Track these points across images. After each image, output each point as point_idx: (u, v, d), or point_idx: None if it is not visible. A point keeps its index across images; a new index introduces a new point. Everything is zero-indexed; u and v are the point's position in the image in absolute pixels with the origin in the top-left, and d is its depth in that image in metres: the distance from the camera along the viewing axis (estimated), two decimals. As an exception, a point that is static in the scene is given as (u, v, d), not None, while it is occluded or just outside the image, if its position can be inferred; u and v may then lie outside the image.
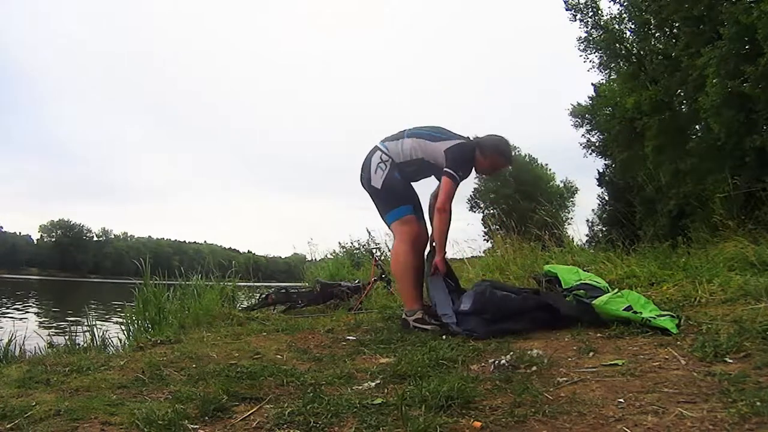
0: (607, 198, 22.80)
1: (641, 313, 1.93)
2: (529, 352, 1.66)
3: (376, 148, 2.75)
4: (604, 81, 19.08)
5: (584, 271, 2.88)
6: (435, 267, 2.60)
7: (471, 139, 2.71)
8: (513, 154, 2.74)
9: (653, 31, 14.62)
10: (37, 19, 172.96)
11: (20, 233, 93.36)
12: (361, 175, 2.77)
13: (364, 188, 2.78)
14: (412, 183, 2.80)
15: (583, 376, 1.43)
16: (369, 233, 7.84)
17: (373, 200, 2.76)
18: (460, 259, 5.43)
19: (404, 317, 2.60)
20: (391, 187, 2.67)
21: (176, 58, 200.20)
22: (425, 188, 2.87)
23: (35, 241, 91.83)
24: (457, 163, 2.61)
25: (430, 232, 2.75)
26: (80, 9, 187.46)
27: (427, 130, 2.75)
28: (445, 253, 2.71)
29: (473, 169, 2.74)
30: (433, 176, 2.82)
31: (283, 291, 4.12)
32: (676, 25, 12.77)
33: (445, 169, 2.60)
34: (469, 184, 36.79)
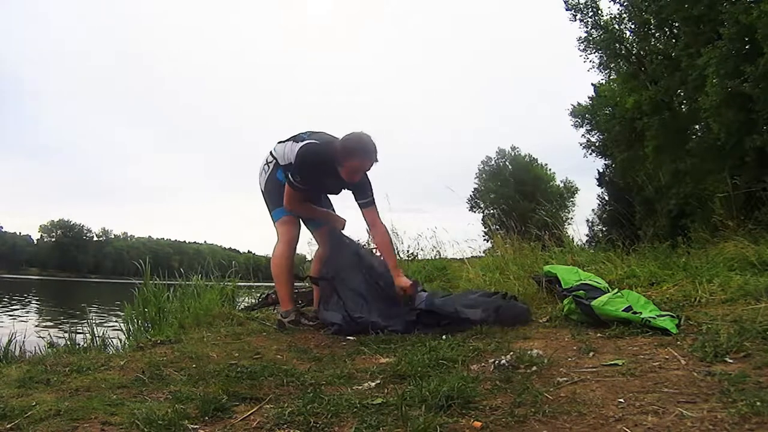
0: (607, 198, 22.84)
1: (641, 313, 1.93)
2: (529, 352, 1.66)
3: (269, 152, 2.78)
4: (604, 81, 19.13)
5: (584, 271, 2.88)
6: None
7: (333, 142, 2.55)
8: (369, 146, 2.48)
9: (653, 31, 14.64)
10: (36, 21, 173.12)
11: (20, 233, 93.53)
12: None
13: None
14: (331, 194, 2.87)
15: (583, 376, 1.43)
16: (369, 233, 7.84)
17: (264, 201, 2.82)
18: (460, 259, 5.43)
19: (280, 318, 2.72)
20: (272, 188, 2.73)
21: (176, 59, 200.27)
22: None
23: (35, 241, 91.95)
24: (294, 167, 2.55)
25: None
26: (79, 11, 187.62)
27: (303, 134, 2.67)
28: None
29: (326, 170, 2.54)
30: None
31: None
32: (676, 25, 12.79)
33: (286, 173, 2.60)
34: (469, 185, 37.02)
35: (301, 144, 2.56)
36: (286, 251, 2.70)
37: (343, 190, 2.74)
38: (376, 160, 2.53)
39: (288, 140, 2.69)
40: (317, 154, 2.53)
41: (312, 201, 2.80)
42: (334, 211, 2.99)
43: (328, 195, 2.95)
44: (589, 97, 21.17)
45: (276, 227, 2.75)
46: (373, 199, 2.67)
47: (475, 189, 37.02)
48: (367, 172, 2.60)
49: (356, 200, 2.67)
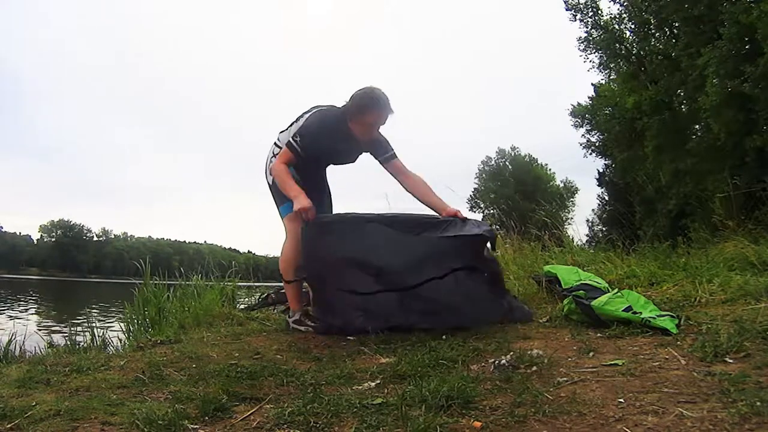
0: (607, 198, 22.85)
1: (641, 313, 1.93)
2: (529, 352, 1.66)
3: (273, 143, 2.65)
4: (604, 81, 19.12)
5: (584, 271, 2.88)
6: (298, 210, 2.31)
7: (338, 106, 2.49)
8: (382, 98, 2.39)
9: (653, 31, 14.63)
10: (36, 21, 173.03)
11: (20, 233, 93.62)
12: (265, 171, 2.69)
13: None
14: (324, 168, 2.69)
15: (583, 376, 1.43)
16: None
17: (272, 195, 2.66)
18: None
19: (287, 318, 2.62)
20: None
21: (176, 59, 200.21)
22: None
23: (35, 241, 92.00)
24: (302, 128, 2.45)
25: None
26: (79, 11, 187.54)
27: (305, 111, 2.60)
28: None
29: (332, 135, 2.46)
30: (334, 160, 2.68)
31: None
32: (676, 25, 12.79)
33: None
34: (469, 185, 37.00)
35: (308, 115, 2.52)
36: (291, 247, 2.54)
37: (359, 155, 2.62)
38: (392, 112, 2.43)
39: (291, 125, 2.61)
40: (326, 118, 2.46)
41: (309, 184, 2.52)
42: (331, 211, 2.80)
43: (345, 164, 2.70)
44: (589, 97, 21.18)
45: (284, 223, 2.58)
46: (395, 153, 2.57)
47: (475, 189, 37.03)
48: (382, 131, 2.51)
49: (377, 157, 2.55)
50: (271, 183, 2.60)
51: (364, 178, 2.85)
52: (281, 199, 2.56)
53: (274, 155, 2.57)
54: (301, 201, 2.32)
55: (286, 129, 2.64)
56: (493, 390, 1.37)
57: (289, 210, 2.49)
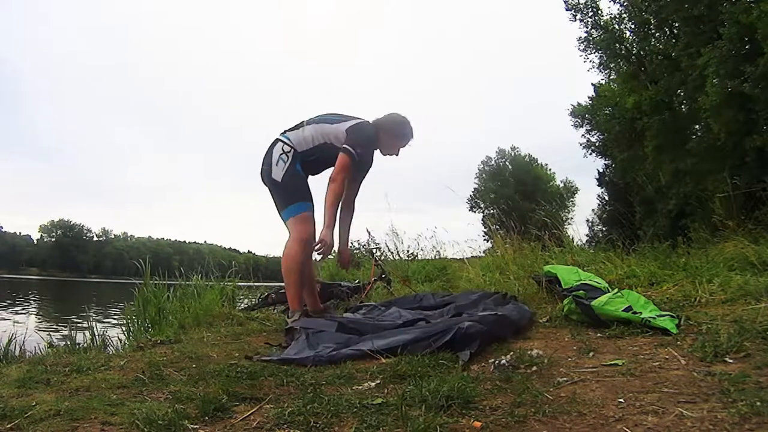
0: (607, 198, 22.84)
1: (641, 313, 1.93)
2: (529, 352, 1.66)
3: (277, 140, 2.66)
4: (604, 81, 19.09)
5: (584, 271, 2.88)
6: (321, 241, 2.42)
7: (370, 121, 2.71)
8: (412, 130, 2.77)
9: (653, 31, 14.61)
10: (36, 21, 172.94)
11: (20, 233, 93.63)
12: (262, 168, 2.67)
13: (264, 182, 2.69)
14: (315, 176, 2.74)
15: (583, 376, 1.43)
16: (369, 233, 7.84)
17: (272, 194, 2.66)
18: (460, 259, 5.43)
19: (286, 318, 2.60)
20: (292, 181, 2.58)
21: (176, 59, 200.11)
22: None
23: (35, 241, 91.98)
24: (356, 140, 2.56)
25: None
26: (79, 11, 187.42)
27: (326, 116, 2.71)
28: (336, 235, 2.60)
29: (376, 150, 2.75)
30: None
31: (283, 291, 4.10)
32: (676, 25, 12.77)
33: (342, 146, 2.54)
34: (469, 185, 37.01)
35: (353, 122, 2.64)
36: (300, 253, 2.54)
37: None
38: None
39: (295, 128, 2.66)
40: (373, 133, 2.69)
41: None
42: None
43: (364, 175, 2.87)
44: (589, 97, 21.15)
45: (290, 223, 2.57)
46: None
47: (475, 189, 37.03)
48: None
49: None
50: (279, 181, 2.58)
51: (365, 179, 2.87)
52: (289, 199, 2.58)
53: (285, 153, 2.59)
54: (328, 236, 2.45)
55: (294, 129, 2.66)
56: (493, 390, 1.37)
57: (295, 212, 2.55)
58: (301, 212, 2.57)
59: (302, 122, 2.68)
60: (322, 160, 2.63)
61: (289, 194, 2.58)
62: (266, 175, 2.65)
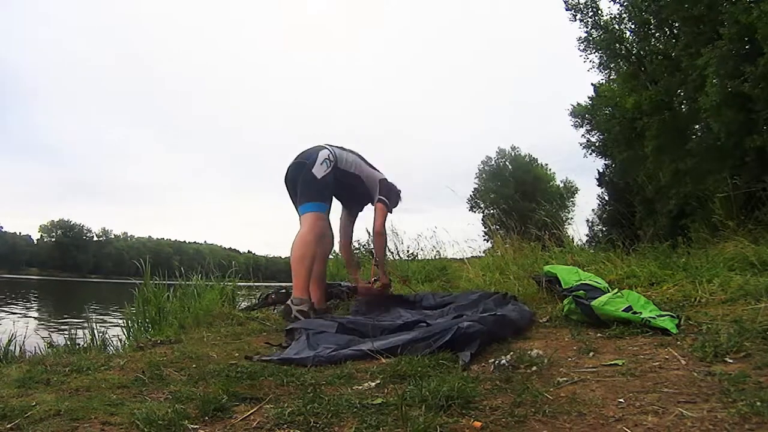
0: (607, 198, 22.83)
1: (641, 313, 1.93)
2: (529, 352, 1.66)
3: (323, 147, 2.92)
4: (604, 81, 19.10)
5: (584, 271, 2.88)
6: (385, 285, 3.02)
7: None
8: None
9: (653, 31, 14.62)
10: (36, 21, 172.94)
11: (20, 233, 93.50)
12: (297, 161, 2.88)
13: (293, 171, 2.89)
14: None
15: (583, 376, 1.43)
16: (369, 233, 7.83)
17: (300, 185, 2.83)
18: (460, 259, 5.43)
19: (289, 302, 2.64)
20: (327, 183, 2.83)
21: (176, 59, 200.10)
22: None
23: (35, 241, 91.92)
24: (389, 195, 3.05)
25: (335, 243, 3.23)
26: (79, 11, 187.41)
27: (362, 156, 3.11)
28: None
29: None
30: (344, 199, 3.19)
31: (283, 291, 4.10)
32: (676, 25, 12.78)
33: (380, 197, 3.01)
34: (469, 185, 37.02)
35: (382, 176, 3.13)
36: (316, 241, 2.74)
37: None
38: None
39: (338, 147, 2.99)
40: (394, 188, 3.19)
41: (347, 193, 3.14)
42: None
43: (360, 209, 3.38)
44: (589, 97, 21.15)
45: (309, 216, 2.76)
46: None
47: (475, 189, 37.07)
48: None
49: (355, 210, 3.36)
50: (319, 178, 2.81)
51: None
52: (317, 196, 2.82)
53: (329, 159, 2.88)
54: (386, 281, 3.20)
55: (338, 147, 3.00)
56: (493, 390, 1.37)
57: (318, 209, 2.82)
58: (322, 211, 2.83)
59: (341, 146, 3.03)
60: (347, 186, 2.98)
61: (319, 192, 2.82)
62: (302, 168, 2.83)
